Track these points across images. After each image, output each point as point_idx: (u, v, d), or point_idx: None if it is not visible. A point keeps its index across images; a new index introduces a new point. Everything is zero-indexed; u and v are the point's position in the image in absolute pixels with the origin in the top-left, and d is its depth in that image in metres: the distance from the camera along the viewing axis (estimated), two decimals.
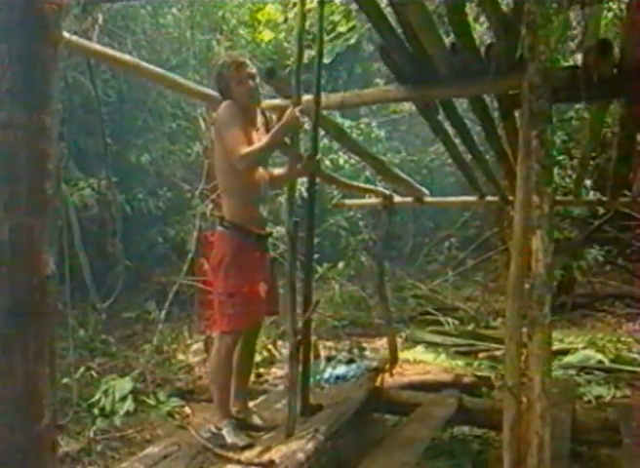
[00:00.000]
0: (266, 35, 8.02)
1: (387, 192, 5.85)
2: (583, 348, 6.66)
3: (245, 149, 3.15)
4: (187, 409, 4.98)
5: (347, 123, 9.05)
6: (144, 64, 3.20)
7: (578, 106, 7.81)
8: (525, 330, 2.78)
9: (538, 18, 2.06)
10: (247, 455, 2.96)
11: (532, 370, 2.21)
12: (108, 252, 7.77)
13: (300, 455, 2.85)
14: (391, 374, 5.41)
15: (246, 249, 3.34)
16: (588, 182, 6.84)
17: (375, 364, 5.47)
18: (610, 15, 5.84)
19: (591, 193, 6.67)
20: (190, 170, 8.53)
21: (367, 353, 6.67)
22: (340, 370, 5.68)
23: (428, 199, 5.93)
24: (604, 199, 5.48)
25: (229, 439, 3.21)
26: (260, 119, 3.56)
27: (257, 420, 3.61)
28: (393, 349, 5.87)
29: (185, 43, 7.35)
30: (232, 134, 3.19)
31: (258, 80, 3.34)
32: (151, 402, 4.99)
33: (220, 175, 3.46)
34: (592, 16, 2.39)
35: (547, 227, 2.09)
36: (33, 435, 1.55)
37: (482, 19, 6.83)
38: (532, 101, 2.16)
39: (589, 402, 5.14)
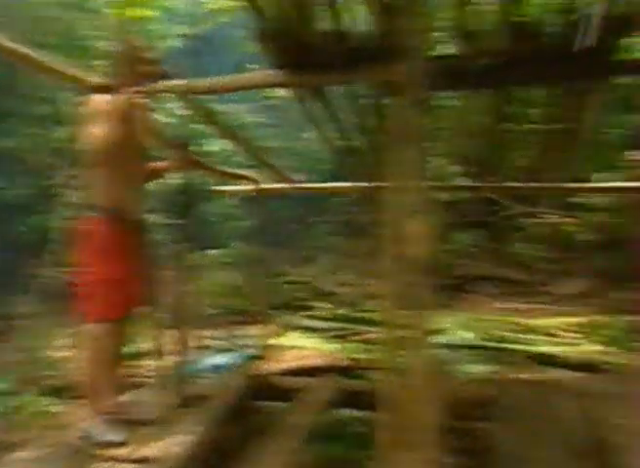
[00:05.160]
0: (133, 12, 7.65)
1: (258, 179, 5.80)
2: (454, 328, 6.94)
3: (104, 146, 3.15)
4: (59, 408, 4.74)
5: (219, 107, 8.92)
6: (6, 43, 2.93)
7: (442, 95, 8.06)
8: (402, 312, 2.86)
9: (419, 5, 2.10)
10: (122, 452, 2.87)
11: (411, 352, 2.25)
12: None
13: (178, 449, 2.79)
14: (270, 361, 5.41)
15: (120, 235, 3.24)
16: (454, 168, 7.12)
17: (253, 351, 5.44)
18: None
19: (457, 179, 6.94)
20: (56, 156, 8.09)
21: (244, 341, 6.62)
22: (219, 358, 5.58)
23: (302, 185, 5.95)
24: (474, 184, 5.70)
25: (104, 437, 3.10)
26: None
27: (132, 414, 3.51)
28: (270, 335, 5.89)
29: (50, 22, 6.92)
30: (98, 128, 3.15)
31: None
32: (19, 402, 4.71)
33: (93, 162, 3.32)
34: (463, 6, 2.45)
35: (427, 211, 2.15)
36: None
37: (357, 6, 6.92)
38: (413, 89, 2.20)
39: (461, 378, 5.35)
